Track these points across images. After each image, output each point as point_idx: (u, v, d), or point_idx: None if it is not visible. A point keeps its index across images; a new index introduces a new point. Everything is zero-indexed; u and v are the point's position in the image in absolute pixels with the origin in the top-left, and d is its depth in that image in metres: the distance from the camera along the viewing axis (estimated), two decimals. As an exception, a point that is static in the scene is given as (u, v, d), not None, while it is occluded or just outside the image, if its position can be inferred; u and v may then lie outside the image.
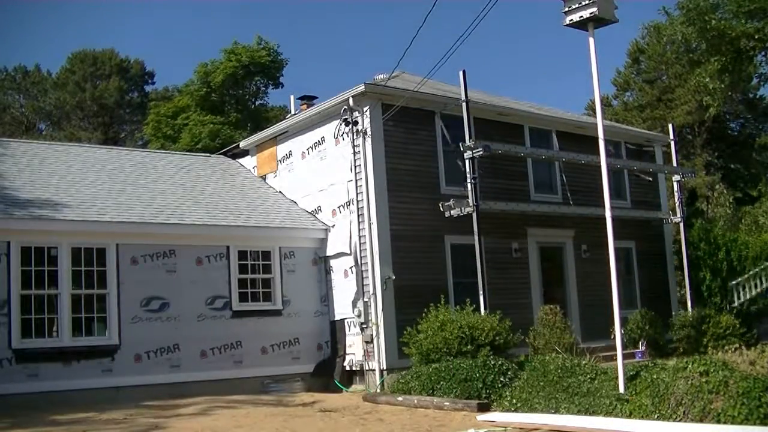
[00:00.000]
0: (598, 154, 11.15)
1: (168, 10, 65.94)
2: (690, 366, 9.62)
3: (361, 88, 15.56)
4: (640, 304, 19.07)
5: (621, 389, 10.07)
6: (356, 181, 15.79)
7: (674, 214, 20.35)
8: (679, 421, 9.07)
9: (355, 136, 15.82)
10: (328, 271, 16.43)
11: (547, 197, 18.36)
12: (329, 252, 16.40)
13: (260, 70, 37.30)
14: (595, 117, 13.43)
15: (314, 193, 17.09)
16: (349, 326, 15.85)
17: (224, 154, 20.96)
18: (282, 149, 18.35)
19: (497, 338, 13.40)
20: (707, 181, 34.09)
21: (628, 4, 18.38)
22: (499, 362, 12.52)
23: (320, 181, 16.93)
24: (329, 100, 16.61)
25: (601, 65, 10.88)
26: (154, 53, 72.23)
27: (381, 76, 17.42)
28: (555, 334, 14.83)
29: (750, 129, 38.96)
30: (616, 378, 10.24)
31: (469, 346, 13.18)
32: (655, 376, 9.91)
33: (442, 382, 12.49)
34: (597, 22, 10.56)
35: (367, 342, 15.29)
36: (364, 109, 15.75)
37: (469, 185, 15.24)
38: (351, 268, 15.82)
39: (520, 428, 9.78)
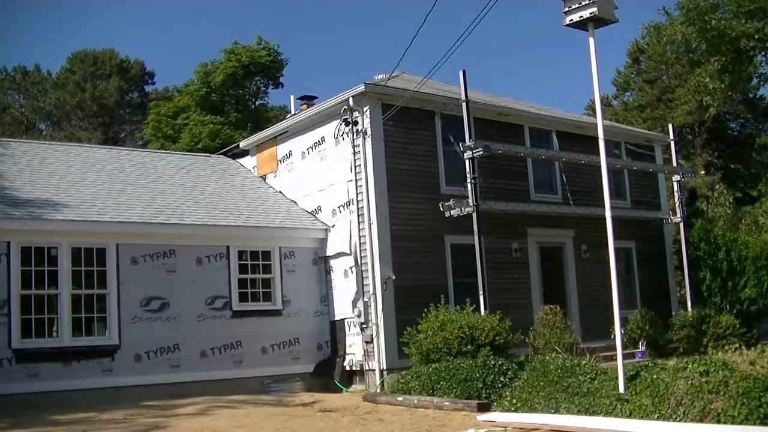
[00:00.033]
0: (598, 154, 11.15)
1: (168, 10, 66.09)
2: (690, 366, 9.63)
3: (361, 88, 15.56)
4: (640, 304, 19.09)
5: (621, 389, 10.08)
6: (356, 181, 15.79)
7: (674, 214, 20.36)
8: (679, 421, 9.08)
9: (355, 136, 15.82)
10: (328, 271, 16.43)
11: (547, 197, 18.37)
12: (329, 252, 16.40)
13: (260, 70, 37.30)
14: (595, 117, 13.43)
15: (314, 193, 17.09)
16: (349, 326, 15.85)
17: (224, 154, 20.97)
18: (282, 149, 18.35)
19: (497, 338, 13.40)
20: (707, 181, 34.07)
21: (628, 4, 18.41)
22: (499, 362, 12.52)
23: (320, 181, 16.93)
24: (329, 100, 16.61)
25: (601, 65, 10.90)
26: (154, 53, 72.42)
27: (381, 76, 17.41)
28: (555, 334, 14.83)
29: (750, 129, 38.92)
30: (616, 378, 10.24)
31: (469, 346, 13.18)
32: (655, 376, 9.91)
33: (442, 382, 12.49)
34: (597, 22, 10.57)
35: (367, 342, 15.29)
36: (364, 109, 15.74)
37: (469, 185, 15.24)
38: (351, 268, 15.82)
39: (520, 428, 9.78)
